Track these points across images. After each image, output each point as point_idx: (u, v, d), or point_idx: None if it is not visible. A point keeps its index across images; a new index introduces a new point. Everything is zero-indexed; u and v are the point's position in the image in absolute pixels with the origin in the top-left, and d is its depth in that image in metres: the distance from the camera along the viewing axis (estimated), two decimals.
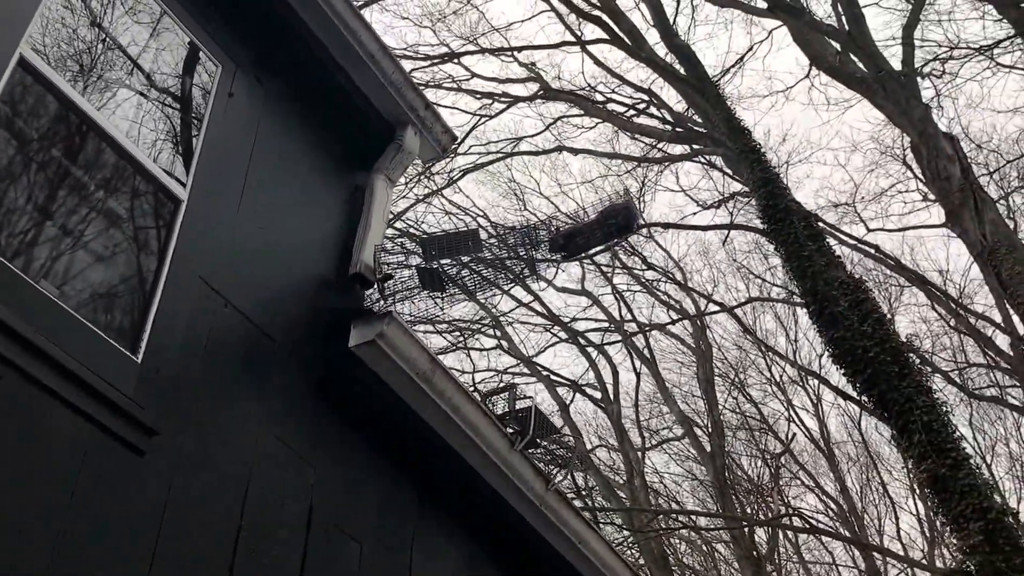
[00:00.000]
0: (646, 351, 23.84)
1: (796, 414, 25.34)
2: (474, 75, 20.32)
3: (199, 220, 3.82)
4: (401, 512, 4.58)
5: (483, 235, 4.78)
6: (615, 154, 21.39)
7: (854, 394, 11.57)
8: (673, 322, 23.81)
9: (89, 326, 3.16)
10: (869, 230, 21.07)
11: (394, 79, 5.12)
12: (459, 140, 19.12)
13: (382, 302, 4.76)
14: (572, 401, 24.31)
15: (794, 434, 24.31)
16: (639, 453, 23.53)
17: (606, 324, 24.03)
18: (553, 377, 23.69)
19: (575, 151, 21.35)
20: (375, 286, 4.79)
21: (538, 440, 4.92)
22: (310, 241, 4.69)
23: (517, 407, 4.97)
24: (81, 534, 2.90)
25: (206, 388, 3.59)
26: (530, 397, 5.04)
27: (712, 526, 22.00)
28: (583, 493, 23.14)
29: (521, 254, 4.64)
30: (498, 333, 23.19)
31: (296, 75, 4.91)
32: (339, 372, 4.30)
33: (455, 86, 20.24)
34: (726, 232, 19.59)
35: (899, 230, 21.89)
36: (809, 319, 11.99)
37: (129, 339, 3.33)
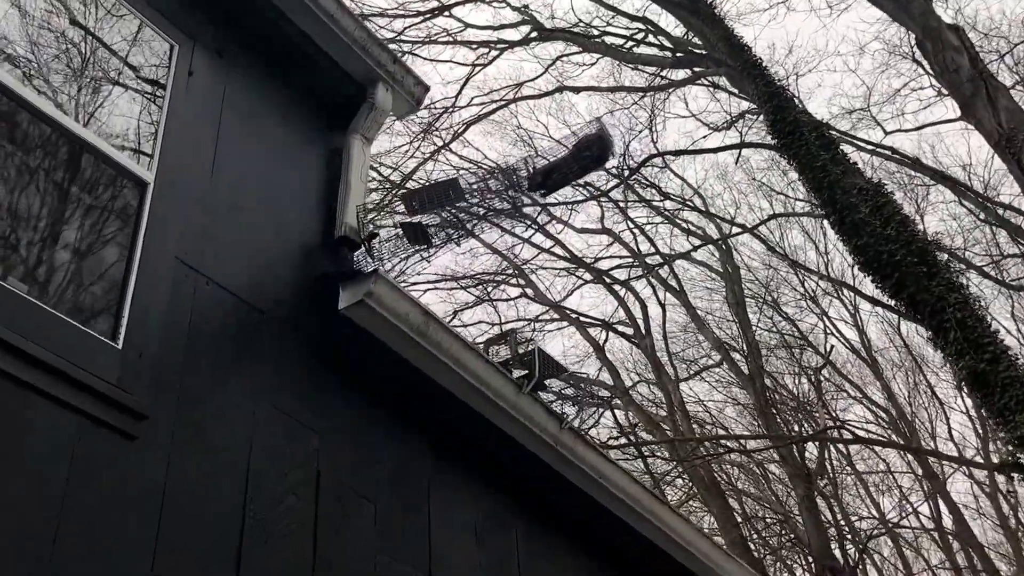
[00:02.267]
0: (672, 280, 23.71)
1: (834, 326, 25.14)
2: (468, 25, 20.05)
3: (169, 200, 3.80)
4: (414, 468, 4.59)
5: (464, 183, 4.72)
6: (618, 87, 21.08)
7: (887, 300, 11.41)
8: (695, 248, 23.58)
9: (63, 318, 3.16)
10: (887, 133, 20.60)
11: (358, 37, 5.04)
12: (457, 93, 18.96)
13: (370, 261, 4.72)
14: (606, 341, 24.29)
15: (832, 346, 24.10)
16: (676, 383, 23.47)
17: (630, 260, 23.88)
18: (583, 319, 23.65)
19: (576, 89, 21.08)
20: (362, 247, 4.76)
21: (545, 382, 4.89)
22: (291, 209, 4.65)
23: (520, 352, 4.94)
24: (80, 524, 2.92)
25: (195, 367, 3.60)
26: (531, 340, 5.00)
27: (757, 447, 21.97)
28: (626, 431, 23.20)
29: (505, 194, 4.57)
30: (522, 282, 23.14)
31: (258, 46, 4.84)
32: (333, 336, 4.30)
33: (450, 39, 20.01)
34: (738, 152, 19.28)
35: (916, 129, 21.40)
36: (832, 230, 11.83)
37: (107, 326, 3.33)
